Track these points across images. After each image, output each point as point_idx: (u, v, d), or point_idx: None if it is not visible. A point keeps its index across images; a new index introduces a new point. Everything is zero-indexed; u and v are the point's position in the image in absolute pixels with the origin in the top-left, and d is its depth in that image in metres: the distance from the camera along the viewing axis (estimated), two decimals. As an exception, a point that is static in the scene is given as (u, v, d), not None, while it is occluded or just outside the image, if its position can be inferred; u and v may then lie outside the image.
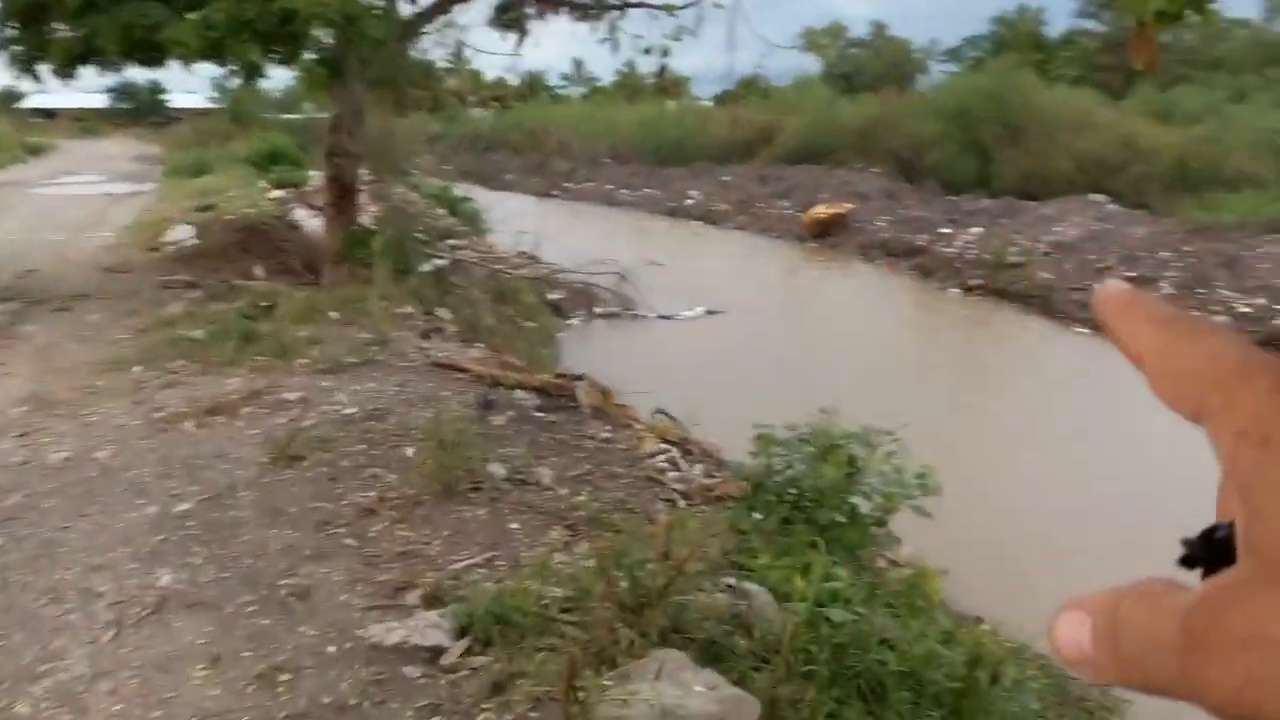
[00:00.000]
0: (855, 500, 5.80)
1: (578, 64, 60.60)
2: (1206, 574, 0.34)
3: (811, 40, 52.36)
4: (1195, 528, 0.36)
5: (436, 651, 4.11)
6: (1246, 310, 13.77)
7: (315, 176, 18.02)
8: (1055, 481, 9.64)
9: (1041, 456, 10.22)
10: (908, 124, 25.83)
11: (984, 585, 7.27)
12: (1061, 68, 38.78)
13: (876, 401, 9.96)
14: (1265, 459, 0.31)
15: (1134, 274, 15.70)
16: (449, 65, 17.29)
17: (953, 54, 51.99)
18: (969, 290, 17.14)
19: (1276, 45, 35.89)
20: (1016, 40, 44.57)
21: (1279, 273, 14.37)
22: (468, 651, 4.13)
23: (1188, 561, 0.36)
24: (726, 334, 14.11)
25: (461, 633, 4.21)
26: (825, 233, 21.52)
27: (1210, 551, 0.35)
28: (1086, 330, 14.88)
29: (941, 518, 5.72)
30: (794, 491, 5.75)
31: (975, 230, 19.24)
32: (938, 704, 4.35)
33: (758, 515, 5.76)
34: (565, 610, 4.44)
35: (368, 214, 12.64)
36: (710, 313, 15.15)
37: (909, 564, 6.08)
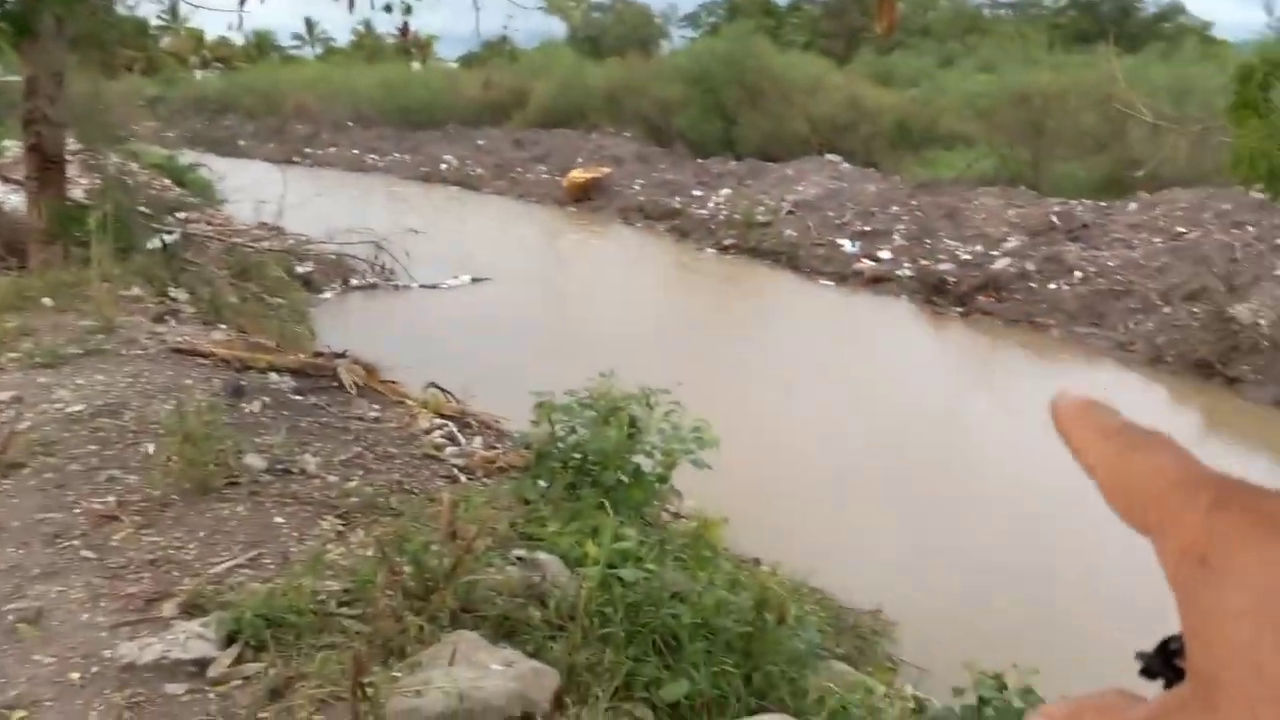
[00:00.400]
0: (638, 460, 5.85)
1: (310, 23, 56.91)
2: (1167, 685, 0.35)
3: (555, 3, 52.14)
4: (1151, 639, 0.35)
5: (202, 664, 3.73)
6: (967, 257, 15.18)
7: (10, 147, 15.87)
8: (811, 420, 10.22)
9: (799, 399, 10.80)
10: (654, 88, 26.33)
11: (760, 527, 7.58)
12: (791, 33, 40.90)
13: (649, 360, 10.12)
14: (1202, 579, 0.32)
15: (869, 228, 16.89)
16: (164, 23, 15.66)
17: (691, 19, 53.52)
18: (724, 250, 17.81)
19: (974, 16, 39.71)
20: (749, 7, 46.51)
21: (991, 222, 15.94)
22: (238, 660, 3.78)
23: (1148, 673, 0.36)
24: (496, 301, 13.86)
25: (229, 640, 3.84)
26: (585, 196, 21.60)
27: (1166, 664, 0.35)
28: (830, 282, 15.86)
29: (717, 467, 5.88)
30: (578, 456, 5.71)
31: (725, 192, 19.97)
32: (730, 650, 4.45)
33: (543, 483, 5.67)
34: (345, 604, 4.16)
35: (79, 187, 11.26)
36: (476, 280, 14.81)
37: (692, 516, 6.20)
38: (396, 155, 28.44)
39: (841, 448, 9.68)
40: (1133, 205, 15.51)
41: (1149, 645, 0.36)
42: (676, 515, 6.58)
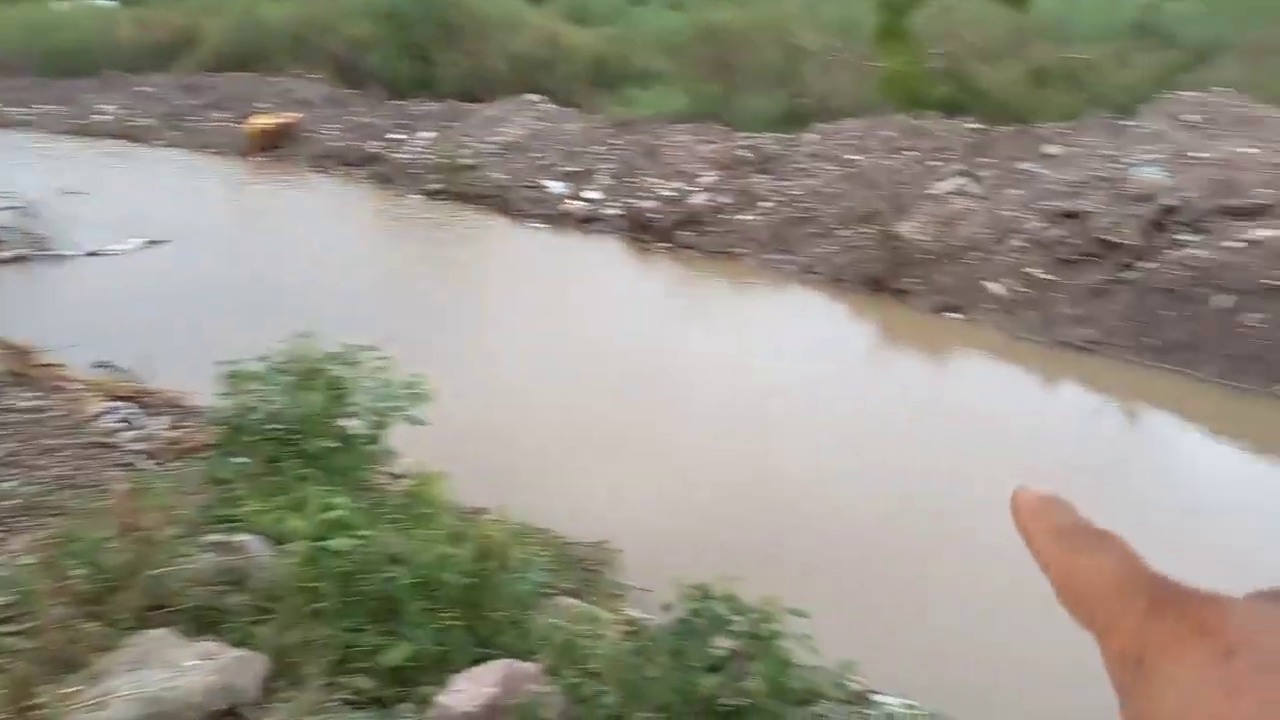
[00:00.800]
0: (346, 423, 5.58)
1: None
2: None
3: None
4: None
5: None
6: (669, 194, 15.71)
7: None
8: (532, 361, 10.27)
9: (518, 342, 10.80)
10: (342, 26, 24.82)
11: (487, 475, 7.53)
12: (486, -29, 39.96)
13: (357, 316, 9.69)
14: (1137, 680, 0.34)
15: (576, 168, 17.02)
16: None
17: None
18: (431, 195, 17.28)
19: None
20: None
21: (688, 159, 16.57)
22: None
23: None
24: (176, 265, 12.62)
25: None
26: (273, 145, 20.08)
27: None
28: (541, 224, 15.90)
29: (440, 420, 5.75)
30: (277, 426, 5.35)
31: (427, 135, 19.32)
32: (454, 604, 4.39)
33: (239, 460, 5.26)
34: (4, 621, 3.66)
35: None
36: (152, 244, 13.39)
37: (410, 474, 6.02)
38: (44, 106, 24.93)
39: (563, 385, 9.80)
40: (812, 136, 16.67)
41: None
42: (396, 476, 6.36)
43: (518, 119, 19.36)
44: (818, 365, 10.73)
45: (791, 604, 4.05)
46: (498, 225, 15.90)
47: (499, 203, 16.60)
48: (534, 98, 20.33)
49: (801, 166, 15.73)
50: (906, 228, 13.29)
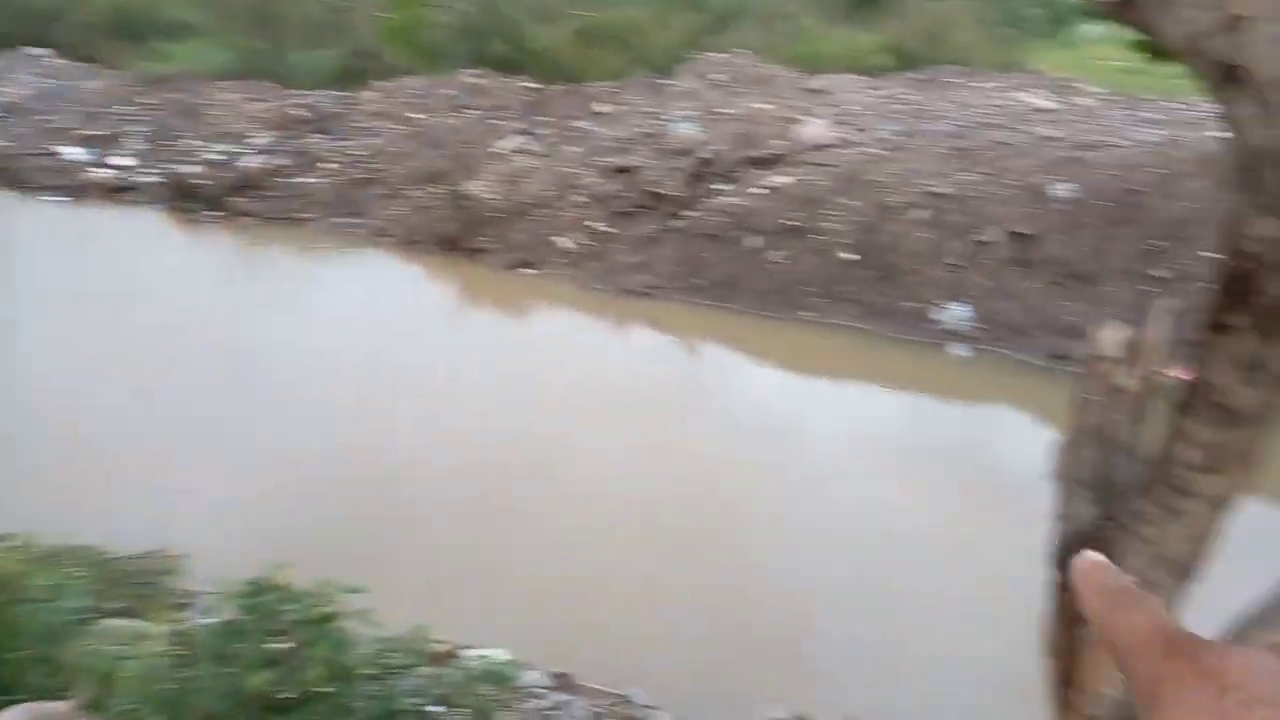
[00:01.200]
0: None
1: None
2: None
3: None
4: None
5: None
6: (216, 157, 14.34)
7: None
8: (71, 360, 8.95)
9: (54, 342, 9.33)
10: None
11: (10, 497, 6.49)
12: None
13: None
14: (1152, 715, 0.41)
15: (99, 132, 14.93)
16: None
17: None
18: (-95, 169, 14.23)
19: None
20: None
21: (236, 119, 15.22)
22: None
23: None
24: None
25: None
26: None
27: None
28: (60, 197, 13.84)
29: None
30: None
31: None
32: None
33: None
34: None
35: None
36: None
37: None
38: None
39: (102, 381, 8.63)
40: (372, 94, 16.11)
41: None
42: None
43: (19, 77, 16.57)
44: (394, 332, 10.51)
45: (388, 579, 3.87)
46: (3, 200, 13.53)
47: (5, 174, 14.12)
48: (38, 51, 17.50)
49: (363, 126, 15.19)
50: (475, 187, 13.39)
